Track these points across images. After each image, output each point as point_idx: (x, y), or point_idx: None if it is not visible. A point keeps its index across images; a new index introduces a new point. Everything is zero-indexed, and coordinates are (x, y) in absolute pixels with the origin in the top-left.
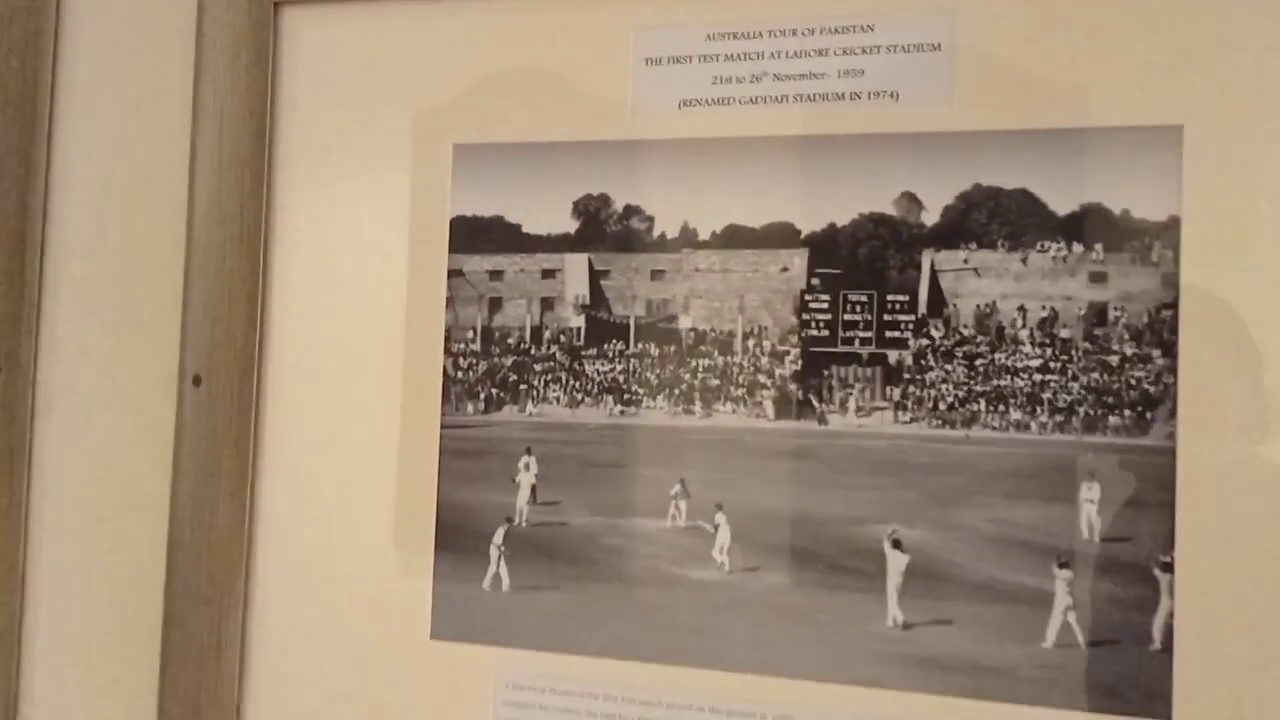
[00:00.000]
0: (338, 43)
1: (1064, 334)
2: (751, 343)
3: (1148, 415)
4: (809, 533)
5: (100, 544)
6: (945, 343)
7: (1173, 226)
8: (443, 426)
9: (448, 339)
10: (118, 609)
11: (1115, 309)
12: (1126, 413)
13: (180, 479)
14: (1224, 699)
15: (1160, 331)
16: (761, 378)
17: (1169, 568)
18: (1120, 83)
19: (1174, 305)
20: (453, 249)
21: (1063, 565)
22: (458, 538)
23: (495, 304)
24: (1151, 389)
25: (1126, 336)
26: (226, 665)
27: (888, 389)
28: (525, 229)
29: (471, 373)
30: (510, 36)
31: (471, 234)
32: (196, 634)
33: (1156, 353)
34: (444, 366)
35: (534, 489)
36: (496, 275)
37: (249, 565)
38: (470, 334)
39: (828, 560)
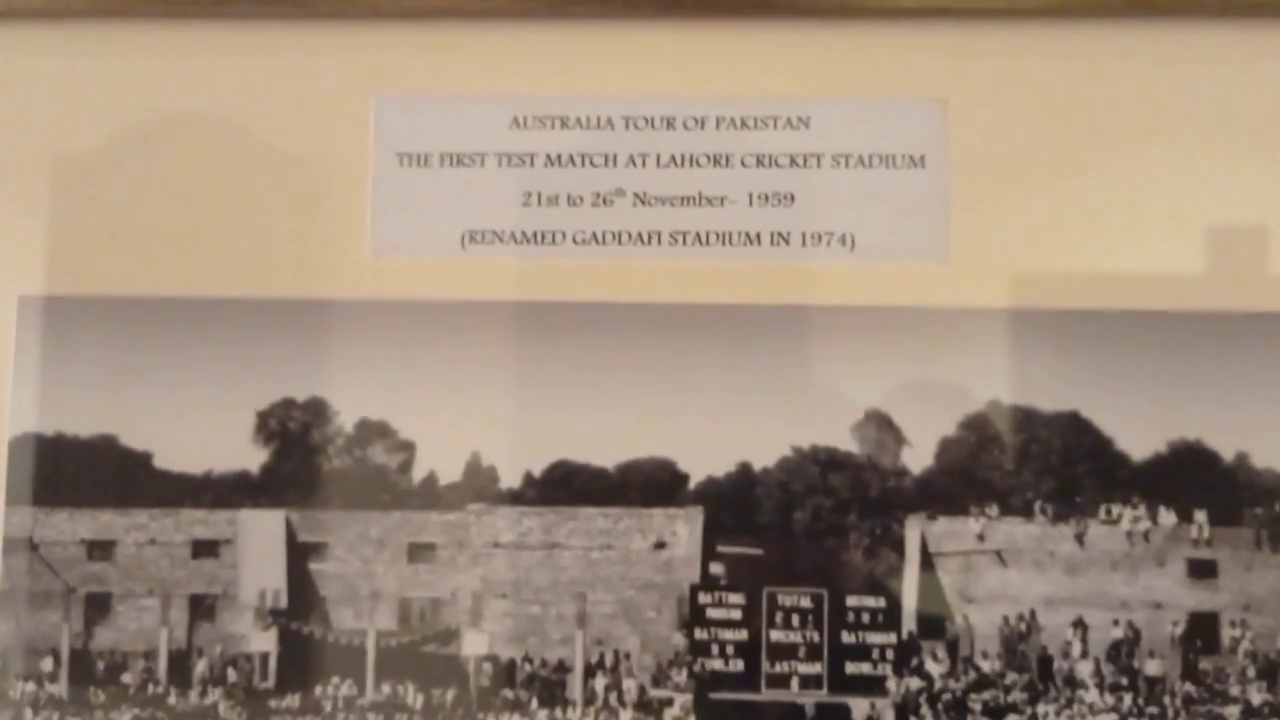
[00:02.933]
0: None
1: (1151, 669)
2: (602, 684)
3: None
4: None
5: None
6: (951, 685)
7: None
8: None
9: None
10: None
11: (1233, 625)
12: None
13: None
14: None
15: None
16: None
17: None
18: (1237, 251)
19: None
20: (12, 499)
21: None
22: None
23: (99, 606)
24: None
25: (1252, 673)
26: None
27: None
28: (159, 462)
29: None
30: (150, 94)
31: (54, 470)
32: None
33: None
34: None
35: None
36: (102, 550)
37: None
38: (48, 665)
39: None
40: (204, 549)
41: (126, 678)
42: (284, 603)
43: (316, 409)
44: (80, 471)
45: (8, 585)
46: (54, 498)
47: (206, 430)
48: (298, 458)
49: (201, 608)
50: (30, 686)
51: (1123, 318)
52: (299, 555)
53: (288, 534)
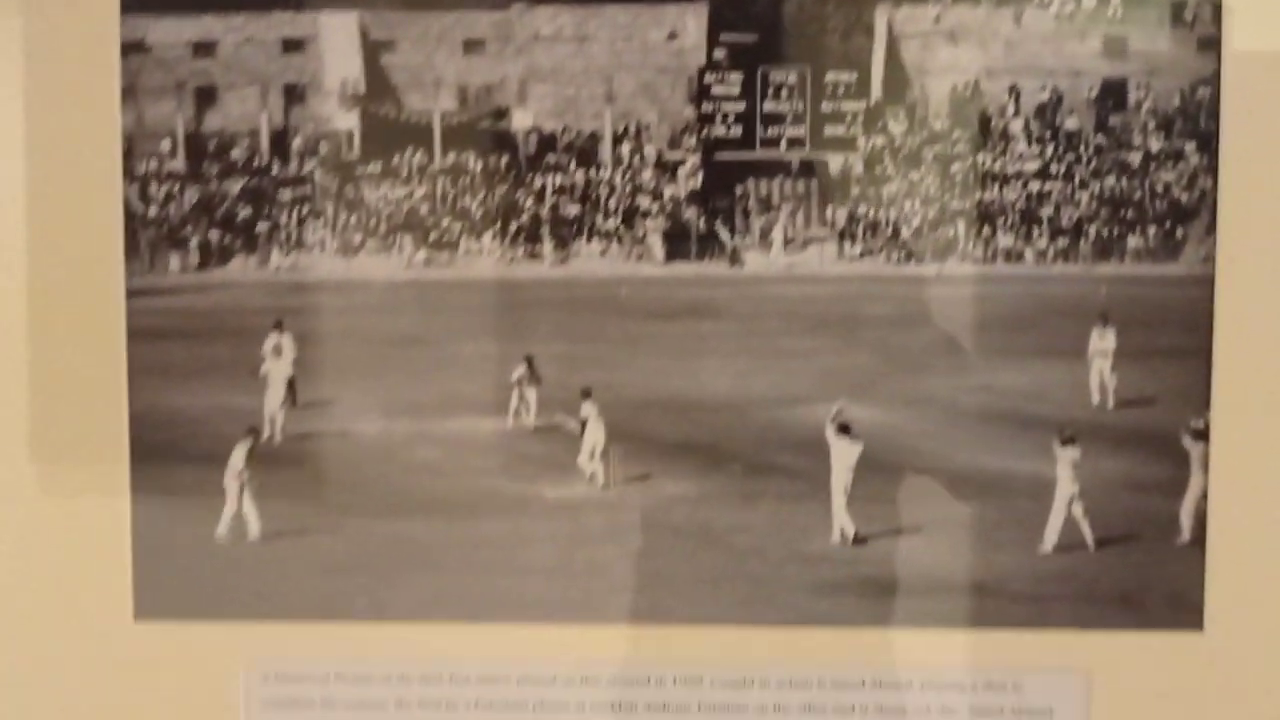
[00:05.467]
0: None
1: (1069, 125)
2: (627, 149)
3: (1178, 233)
4: (720, 422)
5: None
6: (910, 141)
7: None
8: (130, 293)
9: (128, 155)
10: None
11: (1137, 87)
12: (1151, 230)
13: None
14: (1271, 600)
15: (1196, 118)
16: (644, 200)
17: (1202, 435)
18: None
19: (1214, 81)
20: (127, 7)
21: (1067, 441)
22: (169, 465)
23: (207, 96)
24: (1184, 197)
25: (1152, 125)
26: None
27: (828, 210)
28: None
29: (173, 207)
30: None
31: None
32: None
33: (1190, 147)
34: (125, 197)
35: (291, 384)
36: (206, 50)
37: None
38: (167, 145)
39: (747, 459)
40: (292, 46)
41: (235, 153)
42: (362, 89)
43: None
44: None
45: (128, 82)
46: (162, 4)
47: None
48: None
49: (294, 94)
50: (150, 164)
51: None
52: (372, 50)
53: (361, 33)
